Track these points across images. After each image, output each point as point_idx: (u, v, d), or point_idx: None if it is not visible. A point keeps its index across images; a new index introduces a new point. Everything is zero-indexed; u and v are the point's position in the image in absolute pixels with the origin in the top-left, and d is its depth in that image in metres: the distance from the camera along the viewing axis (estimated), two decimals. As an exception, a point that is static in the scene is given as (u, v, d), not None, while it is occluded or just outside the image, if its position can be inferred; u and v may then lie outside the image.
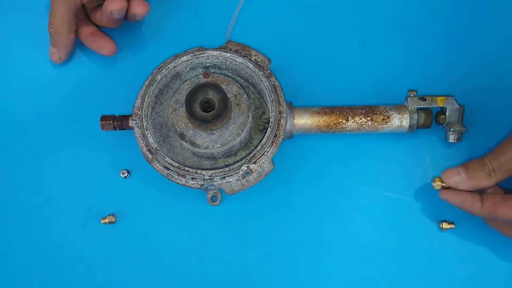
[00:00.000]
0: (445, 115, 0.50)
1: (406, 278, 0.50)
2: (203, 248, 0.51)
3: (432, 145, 0.52)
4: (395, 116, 0.50)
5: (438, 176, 0.48)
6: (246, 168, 0.47)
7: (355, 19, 0.56)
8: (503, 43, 0.55)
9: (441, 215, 0.51)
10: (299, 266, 0.51)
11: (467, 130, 0.50)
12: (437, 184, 0.48)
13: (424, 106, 0.50)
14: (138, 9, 0.50)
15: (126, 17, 0.52)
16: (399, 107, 0.50)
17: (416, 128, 0.50)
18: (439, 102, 0.50)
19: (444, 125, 0.51)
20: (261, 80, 0.49)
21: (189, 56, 0.49)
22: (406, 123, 0.50)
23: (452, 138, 0.50)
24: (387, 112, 0.50)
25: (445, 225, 0.50)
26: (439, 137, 0.53)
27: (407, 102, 0.50)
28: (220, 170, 0.47)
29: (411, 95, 0.50)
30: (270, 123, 0.48)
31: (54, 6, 0.51)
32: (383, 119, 0.50)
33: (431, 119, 0.50)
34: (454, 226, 0.50)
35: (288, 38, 0.56)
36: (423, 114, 0.50)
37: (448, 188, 0.47)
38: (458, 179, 0.46)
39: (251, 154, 0.47)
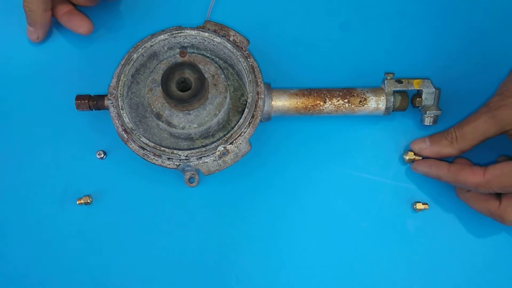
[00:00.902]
0: (421, 98, 0.50)
1: (381, 257, 0.51)
2: (181, 229, 0.51)
3: (408, 127, 0.53)
4: (372, 99, 0.50)
5: (409, 149, 0.52)
6: (222, 148, 0.47)
7: (335, 1, 0.56)
8: (480, 27, 0.55)
9: (416, 197, 0.52)
10: (277, 246, 0.51)
11: (442, 113, 0.51)
12: (409, 154, 0.51)
13: (401, 89, 0.50)
14: None
15: None
16: (376, 90, 0.51)
17: (393, 111, 0.51)
18: (415, 85, 0.50)
19: (420, 108, 0.51)
20: (239, 61, 0.49)
21: (166, 35, 0.49)
22: (383, 105, 0.50)
23: (427, 121, 0.51)
24: (364, 94, 0.50)
25: (419, 206, 0.51)
26: (415, 120, 0.53)
27: (384, 85, 0.51)
28: (196, 150, 0.47)
29: (388, 77, 0.51)
30: (247, 103, 0.48)
31: None
32: (360, 102, 0.50)
33: (407, 102, 0.51)
34: (427, 207, 0.51)
35: (268, 19, 0.55)
36: (399, 97, 0.50)
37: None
38: (423, 145, 0.50)
39: (228, 135, 0.47)
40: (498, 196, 0.46)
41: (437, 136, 0.50)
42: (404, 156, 0.52)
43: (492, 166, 0.45)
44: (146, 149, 0.47)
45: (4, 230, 0.51)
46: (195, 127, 0.47)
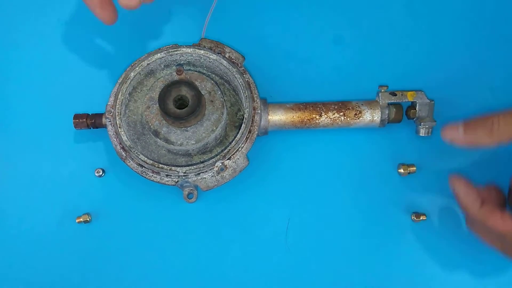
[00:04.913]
0: (416, 109, 0.51)
1: (381, 269, 0.51)
2: (180, 246, 0.51)
3: (404, 139, 0.53)
4: (367, 111, 0.51)
5: (401, 163, 0.52)
6: (220, 164, 0.47)
7: (329, 16, 0.57)
8: (471, 38, 0.56)
9: (413, 207, 0.52)
10: (276, 260, 0.51)
11: (437, 123, 0.51)
12: (403, 167, 0.51)
13: (395, 101, 0.51)
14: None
15: None
16: (371, 102, 0.51)
17: (388, 123, 0.51)
18: (409, 97, 0.51)
19: (414, 119, 0.52)
20: (235, 77, 0.49)
21: (162, 53, 0.49)
22: (378, 117, 0.51)
23: (423, 132, 0.51)
24: (359, 107, 0.51)
25: (417, 217, 0.51)
26: (410, 131, 0.54)
27: (378, 97, 0.51)
28: (194, 166, 0.47)
29: (382, 90, 0.51)
30: (244, 119, 0.48)
31: None
32: (355, 114, 0.51)
33: (402, 114, 0.51)
34: (425, 218, 0.51)
35: (263, 35, 0.56)
36: (394, 109, 0.51)
37: (461, 182, 0.44)
38: (455, 133, 0.43)
39: (226, 150, 0.48)
40: None
41: (472, 124, 0.42)
42: (399, 171, 0.52)
43: None
44: (144, 167, 0.47)
45: (3, 250, 0.51)
46: (193, 144, 0.48)
